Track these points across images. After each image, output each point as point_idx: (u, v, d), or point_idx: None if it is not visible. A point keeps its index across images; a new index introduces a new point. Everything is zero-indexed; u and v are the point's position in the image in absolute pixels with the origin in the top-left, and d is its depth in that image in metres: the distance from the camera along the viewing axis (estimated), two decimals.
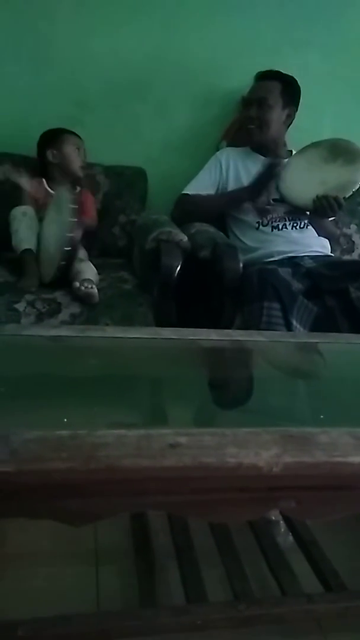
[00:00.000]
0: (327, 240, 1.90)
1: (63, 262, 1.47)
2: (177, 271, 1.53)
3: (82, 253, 1.68)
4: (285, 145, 1.92)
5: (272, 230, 1.81)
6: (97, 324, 1.42)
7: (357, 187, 1.69)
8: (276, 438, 0.67)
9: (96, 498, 0.65)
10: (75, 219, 1.47)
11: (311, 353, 1.27)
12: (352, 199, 1.80)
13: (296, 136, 1.90)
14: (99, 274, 1.58)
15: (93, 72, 1.92)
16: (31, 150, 1.82)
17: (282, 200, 1.80)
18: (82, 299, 1.44)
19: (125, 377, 1.07)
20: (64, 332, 1.14)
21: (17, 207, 1.67)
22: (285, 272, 1.59)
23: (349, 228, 2.13)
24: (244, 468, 0.63)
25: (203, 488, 0.66)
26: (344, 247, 2.12)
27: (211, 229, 1.80)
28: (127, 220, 1.94)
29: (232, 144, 1.98)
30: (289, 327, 1.42)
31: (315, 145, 1.78)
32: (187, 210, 1.85)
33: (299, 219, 1.82)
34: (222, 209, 1.88)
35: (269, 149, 1.87)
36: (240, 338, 1.20)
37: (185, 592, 0.93)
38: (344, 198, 1.67)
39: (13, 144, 1.85)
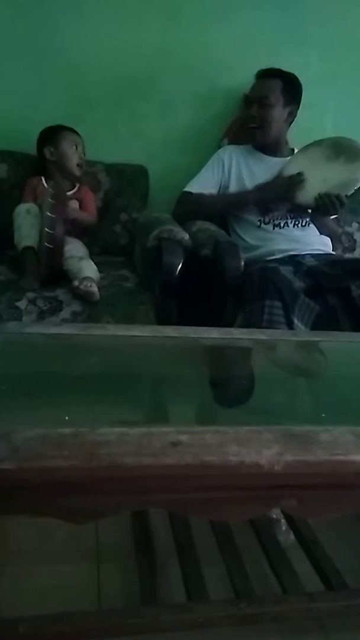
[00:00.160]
0: (328, 238, 1.89)
1: (46, 259, 1.47)
2: (178, 269, 1.53)
3: (82, 251, 1.68)
4: (287, 143, 1.92)
5: (273, 228, 1.81)
6: (99, 322, 1.42)
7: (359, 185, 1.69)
8: (278, 436, 0.67)
9: (98, 496, 0.65)
10: (53, 215, 1.47)
11: (312, 351, 1.27)
12: (354, 197, 1.80)
13: (298, 134, 1.90)
14: (100, 272, 1.57)
15: (95, 70, 1.92)
16: (33, 148, 1.82)
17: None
18: (83, 297, 1.44)
19: (127, 375, 1.07)
20: (65, 330, 1.14)
21: (21, 205, 1.67)
22: (286, 271, 1.59)
23: (351, 226, 2.12)
24: (246, 466, 0.63)
25: (204, 486, 0.66)
26: (346, 245, 2.12)
27: (212, 227, 1.79)
28: (128, 218, 1.94)
29: (234, 142, 1.97)
30: (290, 326, 1.42)
31: (317, 143, 1.78)
32: (190, 209, 1.85)
33: (301, 217, 1.82)
34: (224, 210, 1.88)
35: (271, 147, 1.87)
36: (241, 336, 1.20)
37: (186, 590, 0.93)
38: (346, 196, 1.67)
39: (15, 142, 1.86)
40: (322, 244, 1.84)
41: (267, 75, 1.79)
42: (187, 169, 1.94)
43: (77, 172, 1.81)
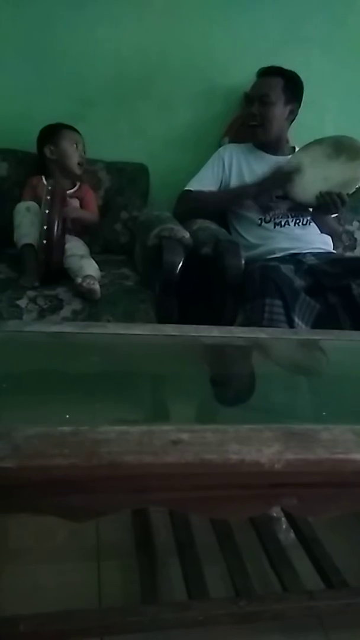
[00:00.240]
0: (329, 237, 1.89)
1: (43, 256, 1.47)
2: (179, 268, 1.53)
3: (83, 249, 1.68)
4: (287, 141, 1.92)
5: (274, 227, 1.81)
6: (99, 321, 1.42)
7: None
8: (278, 435, 0.67)
9: (98, 494, 0.65)
10: (53, 212, 1.47)
11: (313, 350, 1.27)
12: (355, 196, 1.80)
13: (299, 133, 1.89)
14: (100, 270, 1.57)
15: (96, 68, 1.91)
16: (33, 146, 1.82)
17: (284, 197, 1.80)
18: (85, 295, 1.44)
19: (127, 373, 1.07)
20: (65, 328, 1.14)
21: (21, 202, 1.68)
22: (287, 269, 1.58)
23: (352, 225, 2.12)
24: (246, 465, 0.63)
25: (205, 484, 0.66)
26: (347, 244, 2.12)
27: (213, 226, 1.79)
28: (128, 216, 1.94)
29: (235, 140, 1.97)
30: (290, 324, 1.42)
31: (318, 142, 1.77)
32: (190, 206, 1.84)
33: (302, 216, 1.82)
34: (225, 206, 1.88)
35: (272, 146, 1.87)
36: (242, 335, 1.20)
37: (186, 588, 0.93)
38: (347, 195, 1.67)
39: (15, 140, 1.85)
40: (323, 243, 1.84)
41: (269, 73, 1.78)
42: (187, 167, 1.94)
43: (77, 170, 1.81)
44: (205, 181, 1.87)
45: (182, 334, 1.12)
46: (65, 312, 1.42)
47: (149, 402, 1.03)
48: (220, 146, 1.97)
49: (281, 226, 1.81)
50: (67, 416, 0.77)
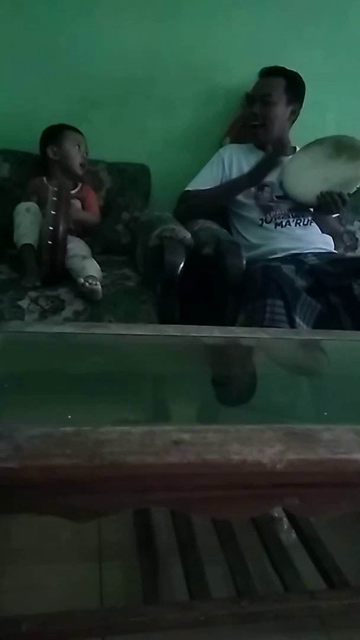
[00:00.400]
0: (330, 237, 1.89)
1: (47, 257, 1.47)
2: (180, 268, 1.53)
3: (85, 250, 1.68)
4: (289, 141, 1.91)
5: (275, 227, 1.81)
6: (101, 321, 1.42)
7: None
8: (280, 435, 0.67)
9: (100, 494, 0.65)
10: (57, 213, 1.47)
11: (314, 350, 1.27)
12: (356, 196, 1.80)
13: (300, 132, 1.89)
14: (102, 271, 1.58)
15: (97, 69, 1.91)
16: (36, 147, 1.82)
17: (285, 197, 1.80)
18: (86, 295, 1.44)
19: (129, 374, 1.07)
20: (67, 329, 1.14)
21: (21, 203, 1.67)
22: (288, 269, 1.58)
23: (353, 225, 2.12)
24: (248, 465, 0.63)
25: (206, 485, 0.66)
26: (348, 244, 2.12)
27: (214, 226, 1.79)
28: (130, 217, 1.94)
29: (236, 140, 1.97)
30: (292, 324, 1.42)
31: (319, 142, 1.77)
32: (191, 206, 1.85)
33: (303, 216, 1.82)
34: (222, 200, 1.87)
35: (273, 146, 1.86)
36: (243, 335, 1.20)
37: (188, 588, 0.93)
38: (348, 194, 1.67)
39: (17, 141, 1.86)
40: (324, 243, 1.84)
41: (271, 73, 1.79)
42: (188, 167, 1.94)
43: (79, 171, 1.81)
44: (205, 182, 1.87)
45: (183, 335, 1.12)
46: (67, 312, 1.42)
47: (151, 403, 1.03)
48: (221, 146, 1.97)
49: (282, 226, 1.81)
50: (69, 416, 0.77)
